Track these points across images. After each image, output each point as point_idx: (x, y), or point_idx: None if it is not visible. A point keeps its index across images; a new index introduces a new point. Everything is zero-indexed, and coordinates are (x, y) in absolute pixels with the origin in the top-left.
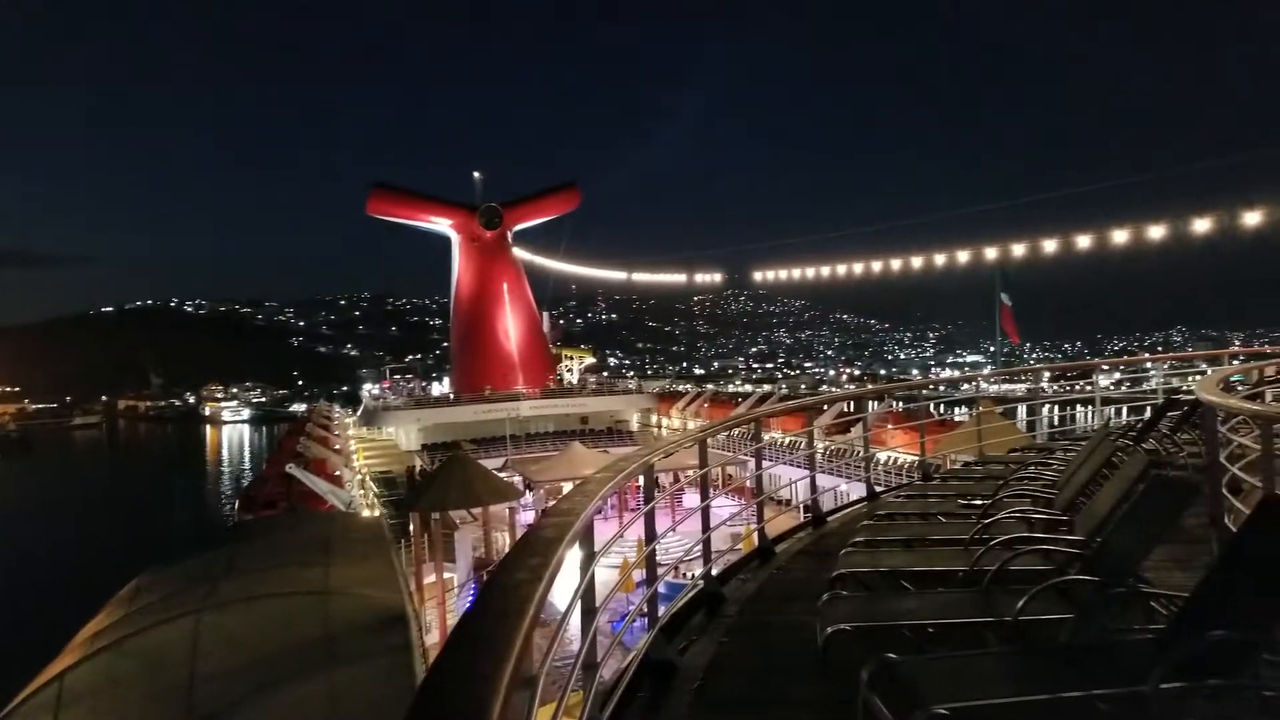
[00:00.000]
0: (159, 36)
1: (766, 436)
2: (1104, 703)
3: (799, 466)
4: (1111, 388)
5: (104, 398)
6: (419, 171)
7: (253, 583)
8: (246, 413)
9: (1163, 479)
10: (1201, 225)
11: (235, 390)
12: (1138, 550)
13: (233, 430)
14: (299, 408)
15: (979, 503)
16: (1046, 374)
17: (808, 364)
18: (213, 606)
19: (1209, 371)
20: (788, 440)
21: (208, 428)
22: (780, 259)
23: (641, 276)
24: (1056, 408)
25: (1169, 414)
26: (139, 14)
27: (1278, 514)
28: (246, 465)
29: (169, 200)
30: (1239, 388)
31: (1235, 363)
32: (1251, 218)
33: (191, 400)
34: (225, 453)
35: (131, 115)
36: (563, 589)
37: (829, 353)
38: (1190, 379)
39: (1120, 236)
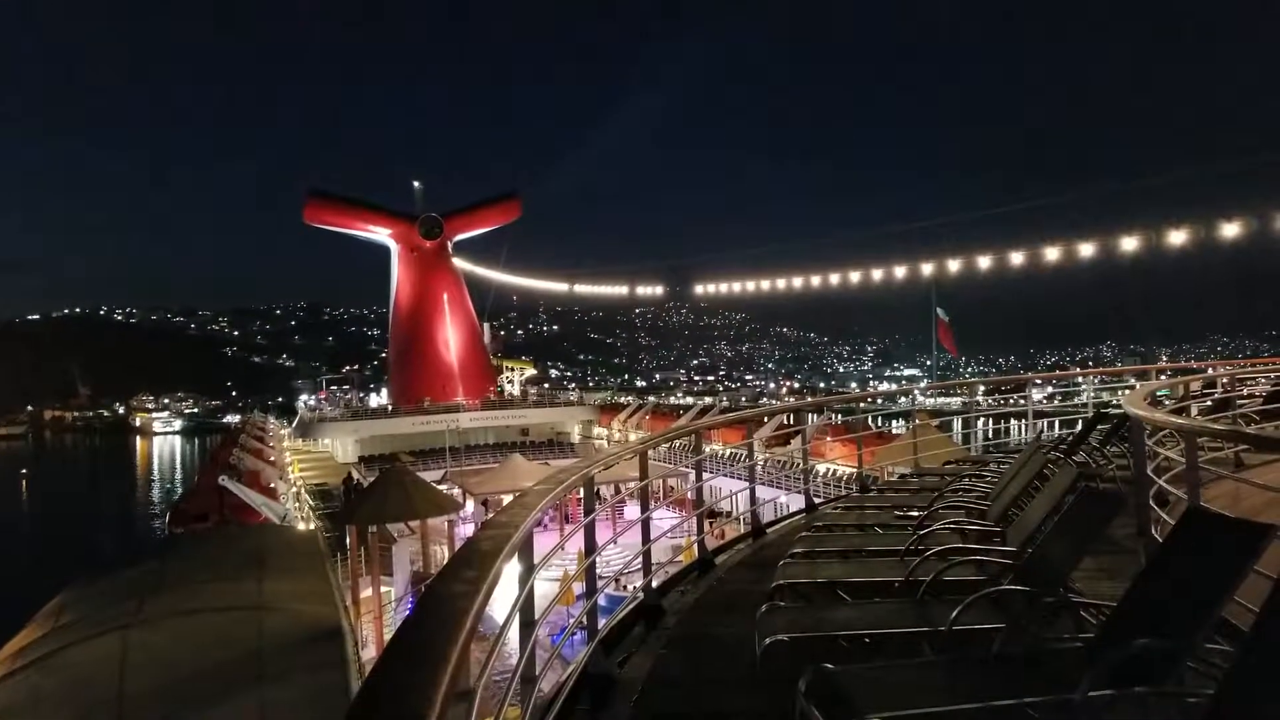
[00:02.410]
0: (76, 35)
1: (707, 449)
2: (1034, 710)
3: (740, 479)
4: (1044, 401)
5: (29, 408)
6: (357, 181)
7: (183, 598)
8: (178, 424)
9: (1092, 491)
10: (1129, 243)
11: (166, 401)
12: (1067, 560)
13: (163, 442)
14: (232, 419)
15: (915, 514)
16: (981, 388)
17: (749, 376)
18: (141, 622)
19: (1137, 386)
20: (728, 452)
21: (138, 439)
22: (721, 272)
23: (583, 288)
24: (991, 421)
25: (1099, 427)
26: (54, 13)
27: (1201, 526)
28: (178, 478)
29: (98, 206)
30: (1166, 402)
31: (1163, 378)
32: (1176, 236)
33: (121, 411)
34: (155, 465)
35: (54, 117)
36: (502, 601)
37: (770, 365)
38: (1120, 393)
39: (1052, 254)
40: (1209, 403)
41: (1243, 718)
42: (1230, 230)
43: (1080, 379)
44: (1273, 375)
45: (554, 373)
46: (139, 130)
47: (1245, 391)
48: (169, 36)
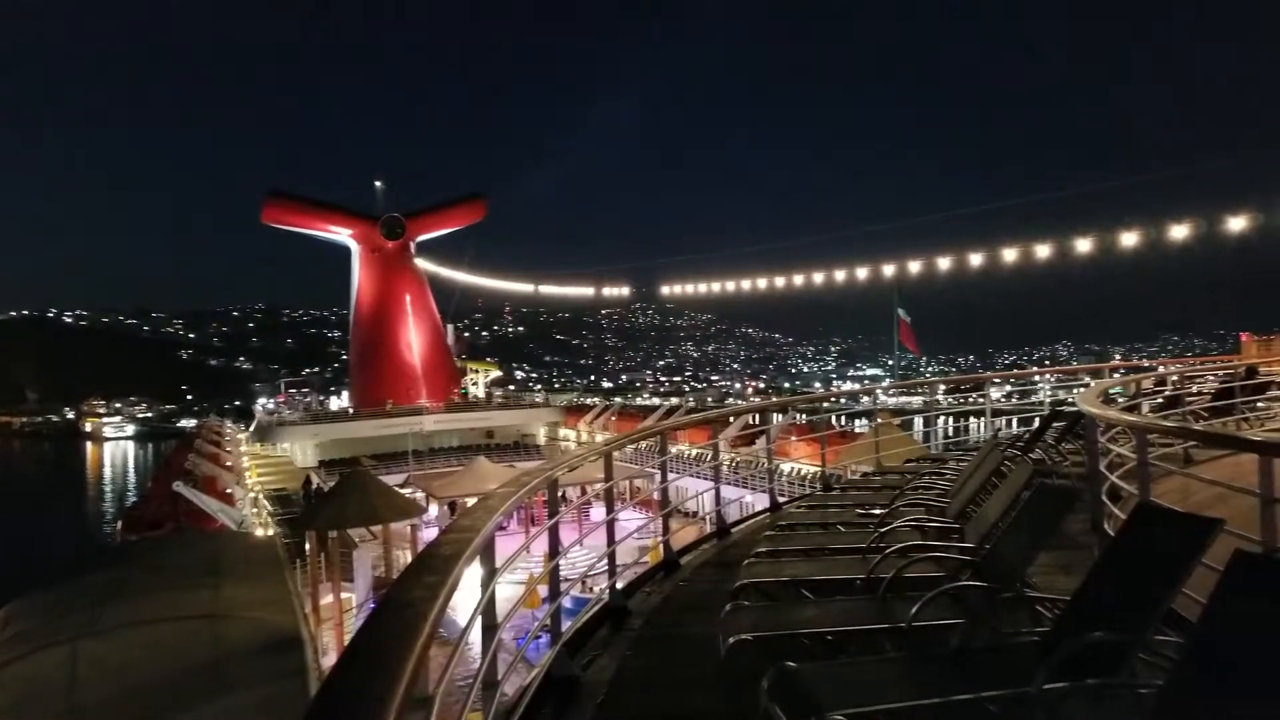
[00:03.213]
0: (22, 32)
1: (674, 449)
2: (992, 704)
3: (706, 479)
4: (1002, 400)
5: None
6: (318, 180)
7: (135, 607)
8: (131, 429)
9: (1047, 487)
10: (1083, 245)
11: (119, 405)
12: (1024, 556)
13: (116, 447)
14: (188, 423)
15: (876, 512)
16: (942, 387)
17: (714, 377)
18: (92, 633)
19: (1092, 384)
20: (694, 453)
21: (89, 445)
22: (687, 273)
23: (548, 289)
24: (951, 419)
25: (1054, 425)
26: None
27: (1151, 520)
28: (131, 484)
29: (47, 205)
30: (1119, 399)
31: (1116, 376)
32: (1128, 238)
33: (71, 416)
34: (108, 471)
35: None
36: (465, 606)
37: (735, 366)
38: (1075, 391)
39: (1010, 255)
40: (1160, 400)
41: (1191, 708)
42: (1180, 232)
43: (1037, 377)
44: (1220, 373)
45: (519, 374)
46: (88, 128)
47: (1194, 389)
48: (121, 31)
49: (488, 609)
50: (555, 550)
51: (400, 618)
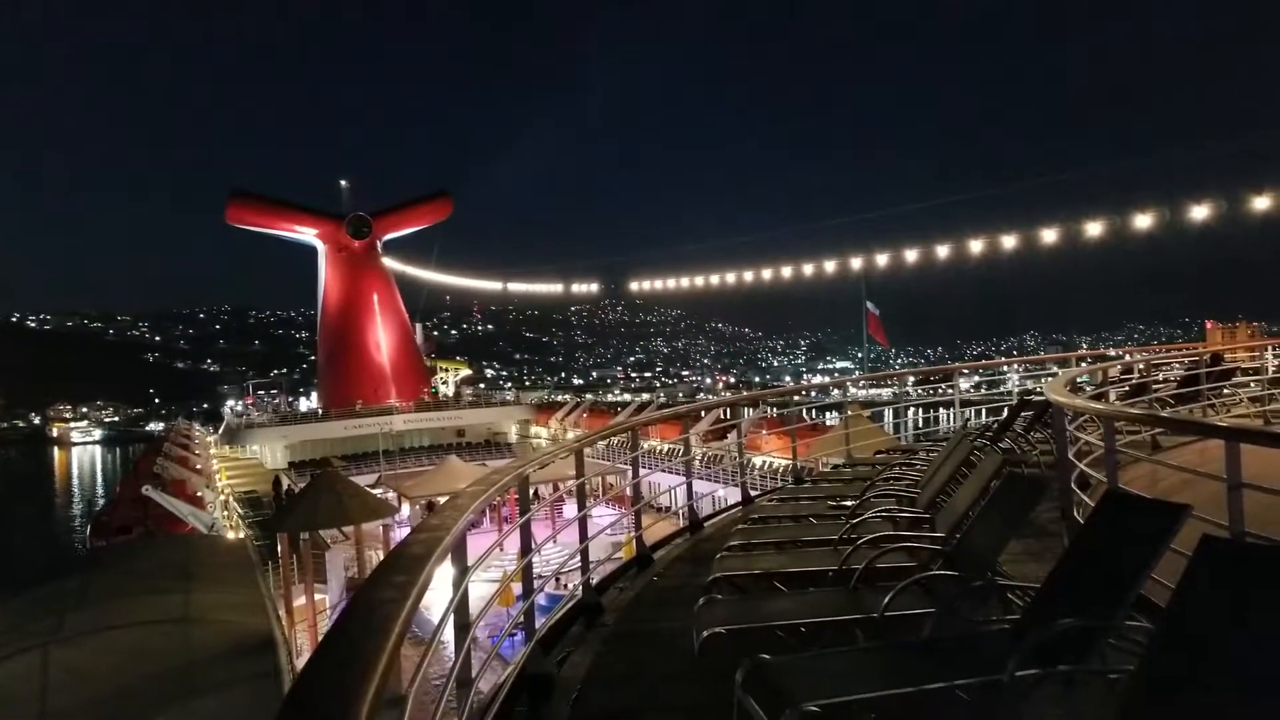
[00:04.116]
0: None
1: (646, 444)
2: (964, 693)
3: (678, 474)
4: (972, 390)
5: None
6: (283, 176)
7: (106, 613)
8: (98, 433)
9: (1016, 476)
10: (1049, 235)
11: (85, 410)
12: (994, 545)
13: (83, 452)
14: (156, 427)
15: (848, 504)
16: (911, 378)
17: (685, 372)
18: (62, 639)
19: (1059, 373)
20: (666, 448)
21: (56, 450)
22: (657, 269)
23: (517, 286)
24: (921, 410)
25: (1023, 414)
26: None
27: (1119, 507)
28: (99, 489)
29: (6, 208)
30: (1086, 388)
31: (1083, 365)
32: (1093, 229)
33: (37, 421)
34: (75, 476)
35: None
36: (439, 605)
37: (706, 361)
38: (1043, 380)
39: (976, 246)
40: (1127, 388)
41: (1161, 693)
42: (1144, 222)
43: (1005, 367)
44: (1186, 360)
45: (490, 372)
46: (44, 129)
47: (1161, 376)
48: (77, 30)
49: (460, 608)
50: (528, 548)
51: (370, 618)
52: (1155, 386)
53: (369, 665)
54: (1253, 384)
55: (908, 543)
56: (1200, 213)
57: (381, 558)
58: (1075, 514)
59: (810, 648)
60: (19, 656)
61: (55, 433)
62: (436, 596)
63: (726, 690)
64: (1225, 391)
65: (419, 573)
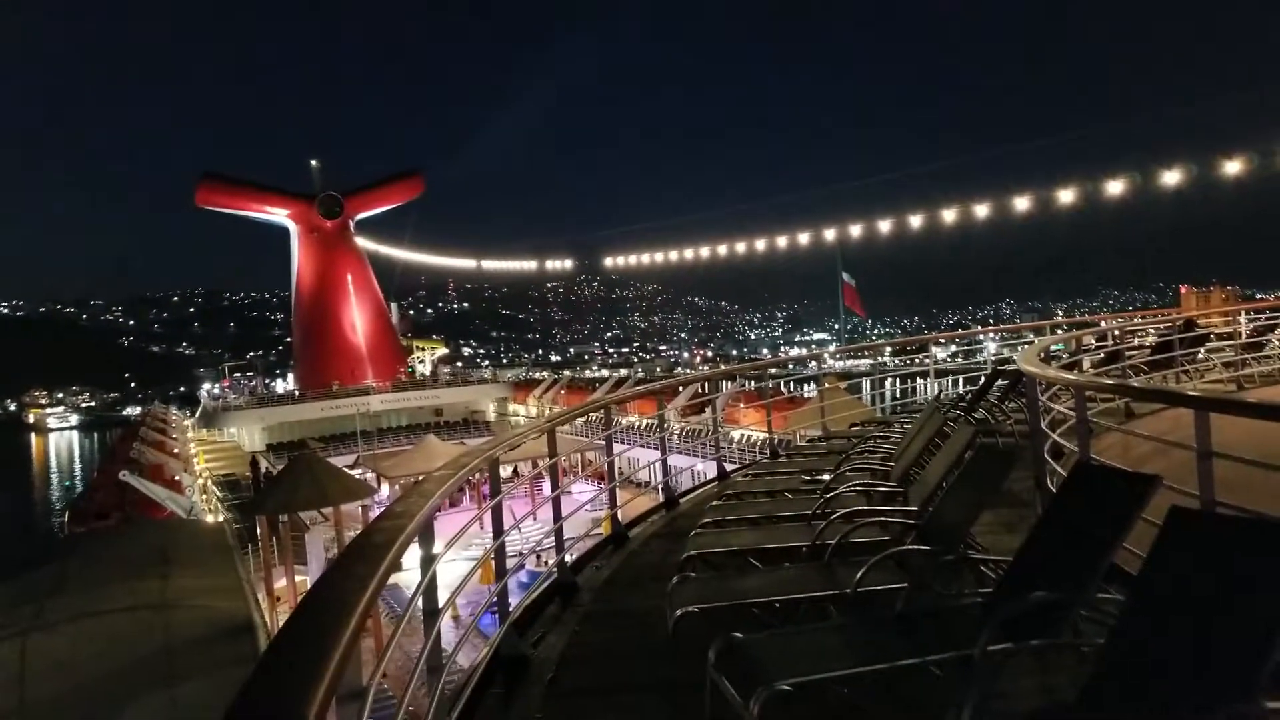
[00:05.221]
0: None
1: (625, 420)
2: (937, 668)
3: (655, 449)
4: (948, 360)
5: None
6: (253, 158)
7: (83, 600)
8: (75, 419)
9: (989, 447)
10: (1022, 203)
11: (61, 395)
12: (966, 517)
13: (60, 438)
14: (133, 411)
15: (823, 478)
16: (888, 349)
17: (662, 347)
18: (40, 627)
19: (1035, 341)
20: (645, 423)
21: (32, 436)
22: (631, 244)
23: (491, 264)
24: (899, 381)
25: (997, 384)
26: None
27: (1091, 478)
28: (77, 475)
29: None
30: (1062, 356)
31: (1058, 333)
32: (1066, 195)
33: (12, 408)
34: (53, 462)
35: None
36: (414, 589)
37: (683, 335)
38: (1019, 349)
39: (950, 214)
40: (1101, 355)
41: (1131, 662)
42: (1117, 188)
43: (981, 337)
44: (1161, 326)
45: (466, 351)
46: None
47: (1135, 343)
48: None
49: (428, 592)
50: (499, 530)
51: (326, 611)
52: (1129, 353)
53: (321, 664)
54: (1226, 349)
55: (881, 517)
56: (1173, 178)
57: None
58: (1049, 483)
59: (784, 624)
60: None
61: (32, 419)
62: (414, 577)
63: (701, 669)
64: (1199, 357)
65: (379, 563)
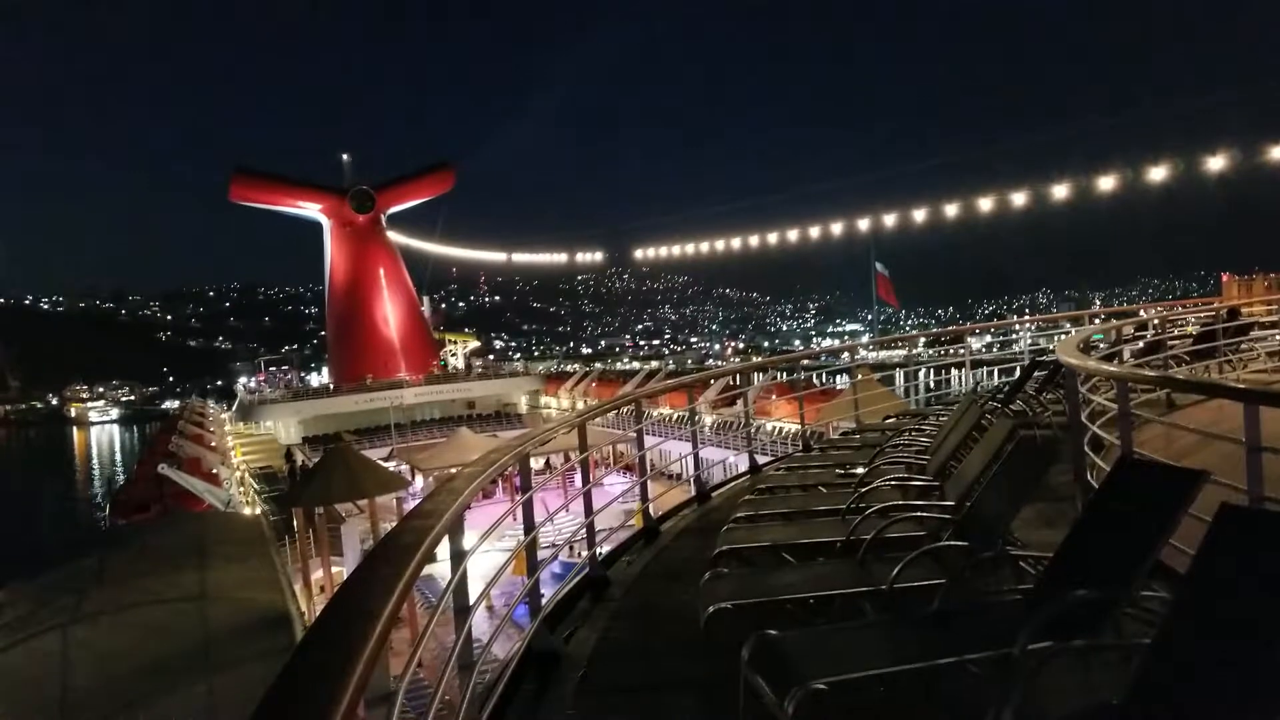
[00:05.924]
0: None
1: (655, 413)
2: (975, 666)
3: (687, 441)
4: (984, 350)
5: None
6: (286, 152)
7: (123, 591)
8: (115, 412)
9: (1028, 440)
10: (1060, 191)
11: (102, 390)
12: (1005, 512)
13: (101, 431)
14: (171, 405)
15: (857, 472)
16: (922, 340)
17: (694, 339)
18: (81, 618)
19: (1072, 331)
20: (676, 416)
21: (74, 430)
22: (663, 236)
23: (521, 257)
24: (933, 372)
25: (1035, 375)
26: None
27: (1133, 473)
28: (118, 467)
29: (17, 194)
30: (1100, 345)
31: (1096, 322)
32: (1105, 182)
33: (55, 402)
34: (95, 455)
35: None
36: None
37: (714, 327)
38: (1056, 339)
39: (985, 204)
40: (1141, 345)
41: (1178, 664)
42: (1158, 174)
43: (1017, 327)
44: (1202, 315)
45: (498, 344)
46: (48, 108)
47: (1176, 332)
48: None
49: (459, 589)
50: (530, 525)
51: (353, 616)
52: (1171, 343)
53: (345, 671)
54: (1270, 339)
55: (917, 512)
56: (1216, 164)
57: None
58: (1089, 477)
59: (818, 621)
60: (41, 636)
61: (73, 413)
62: (448, 569)
63: (734, 666)
64: (1243, 347)
65: (407, 565)
